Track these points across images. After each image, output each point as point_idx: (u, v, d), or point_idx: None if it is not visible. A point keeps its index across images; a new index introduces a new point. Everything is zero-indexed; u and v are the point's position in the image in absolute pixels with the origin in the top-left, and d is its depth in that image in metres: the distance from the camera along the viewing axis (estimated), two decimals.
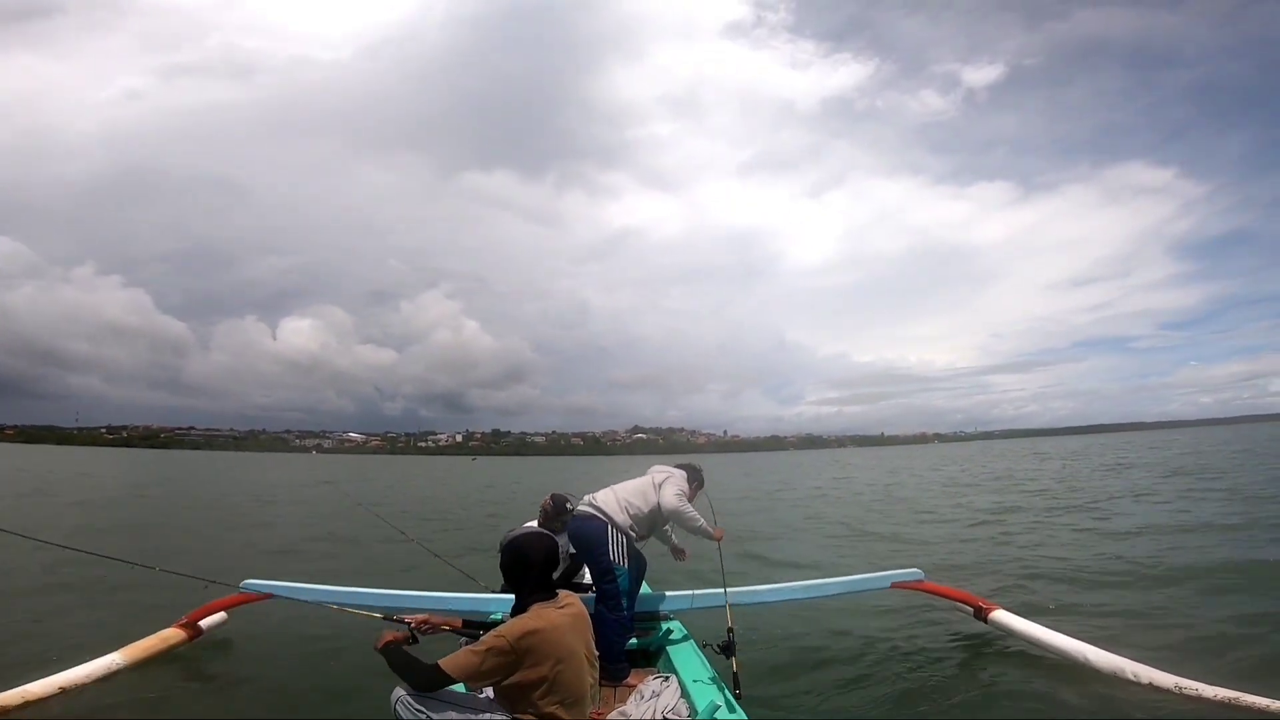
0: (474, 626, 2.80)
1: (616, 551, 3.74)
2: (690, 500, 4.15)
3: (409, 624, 2.73)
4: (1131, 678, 3.67)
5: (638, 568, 3.88)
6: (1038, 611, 4.96)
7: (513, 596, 2.68)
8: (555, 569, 2.70)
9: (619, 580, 3.70)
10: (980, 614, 4.61)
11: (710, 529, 4.09)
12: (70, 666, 3.69)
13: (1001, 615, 4.53)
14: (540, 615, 2.48)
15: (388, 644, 2.49)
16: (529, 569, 2.59)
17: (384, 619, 2.79)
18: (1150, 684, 3.59)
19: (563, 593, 2.67)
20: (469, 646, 2.43)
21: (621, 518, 3.83)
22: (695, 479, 4.32)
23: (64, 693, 3.53)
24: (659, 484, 4.05)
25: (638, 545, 3.92)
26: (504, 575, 2.70)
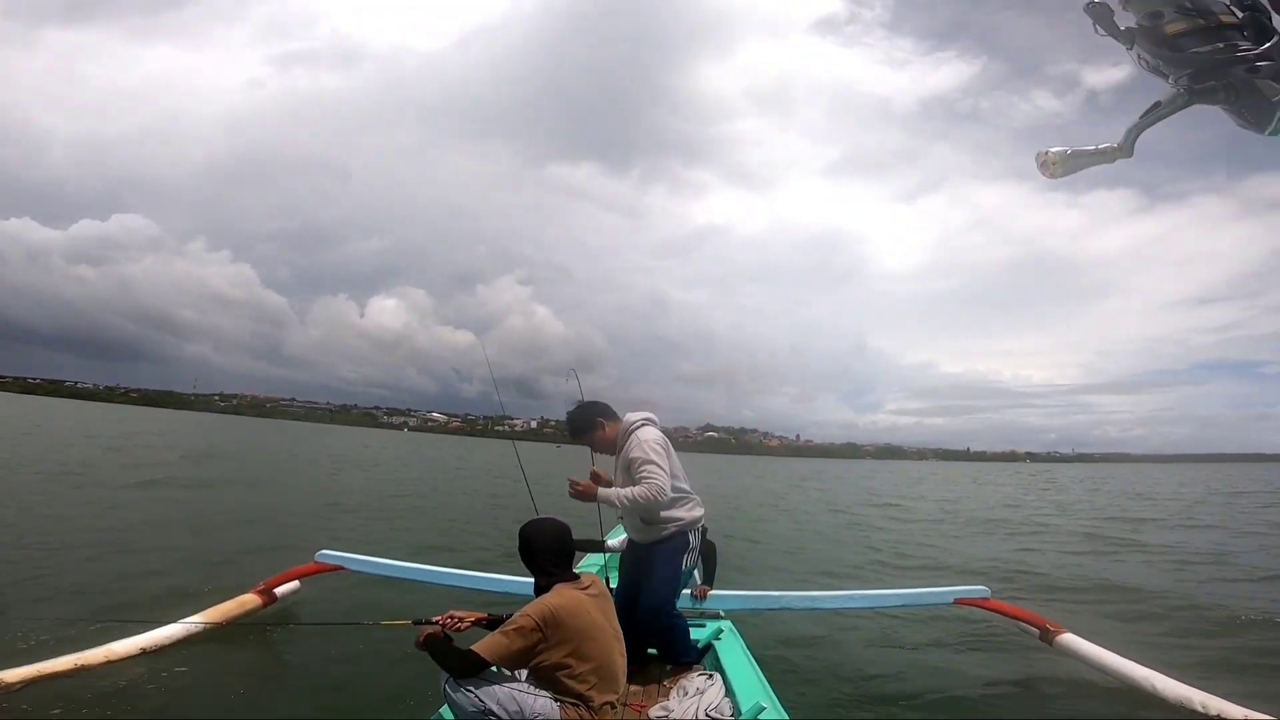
0: (497, 619, 2.87)
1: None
2: (621, 447, 3.33)
3: (438, 623, 2.81)
4: (1199, 709, 3.53)
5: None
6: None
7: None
8: (568, 552, 2.73)
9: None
10: (1046, 636, 4.46)
11: (624, 498, 3.19)
12: (154, 628, 3.93)
13: (1069, 639, 4.35)
14: (561, 593, 2.55)
15: (427, 639, 2.61)
16: (535, 554, 2.68)
17: (414, 623, 2.92)
18: (1219, 717, 3.45)
19: (585, 575, 2.72)
20: (499, 629, 2.51)
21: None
22: (600, 420, 3.38)
23: (145, 653, 3.76)
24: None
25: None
26: (523, 561, 2.77)
